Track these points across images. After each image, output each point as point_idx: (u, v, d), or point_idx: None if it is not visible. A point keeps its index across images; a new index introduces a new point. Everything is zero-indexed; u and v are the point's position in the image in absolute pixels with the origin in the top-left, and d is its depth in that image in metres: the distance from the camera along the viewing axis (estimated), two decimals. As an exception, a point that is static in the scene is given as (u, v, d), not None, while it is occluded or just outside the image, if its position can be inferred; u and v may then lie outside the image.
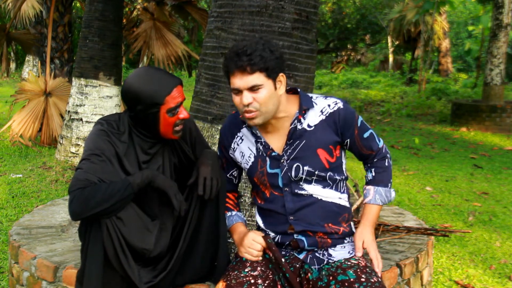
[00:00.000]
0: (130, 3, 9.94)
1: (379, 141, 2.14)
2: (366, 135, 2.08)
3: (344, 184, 2.13)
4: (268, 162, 2.06)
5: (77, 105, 6.24)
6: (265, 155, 2.07)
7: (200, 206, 2.15)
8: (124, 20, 8.19)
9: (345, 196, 2.11)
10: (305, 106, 2.01)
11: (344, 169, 2.11)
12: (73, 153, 6.19)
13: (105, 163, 1.99)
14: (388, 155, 2.16)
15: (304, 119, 2.02)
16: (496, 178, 6.39)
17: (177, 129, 2.10)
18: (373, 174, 2.14)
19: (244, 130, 2.13)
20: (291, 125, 2.01)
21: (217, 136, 2.79)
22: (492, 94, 10.52)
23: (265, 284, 1.96)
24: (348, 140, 2.06)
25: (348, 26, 24.80)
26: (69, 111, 6.32)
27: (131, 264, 1.99)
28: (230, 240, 2.40)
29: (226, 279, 1.97)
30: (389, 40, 23.10)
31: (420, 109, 12.94)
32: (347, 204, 2.12)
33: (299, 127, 2.01)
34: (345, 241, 2.10)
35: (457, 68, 22.18)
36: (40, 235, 2.78)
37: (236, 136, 2.15)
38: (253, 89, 1.92)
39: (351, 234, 2.13)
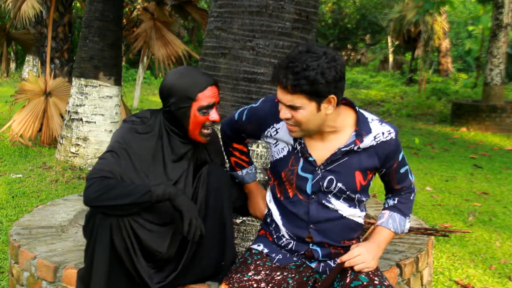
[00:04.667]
0: (130, 3, 9.93)
1: (412, 177, 2.11)
2: (402, 170, 2.04)
3: (364, 204, 2.13)
4: (300, 164, 1.98)
5: (77, 105, 6.24)
6: (300, 155, 1.98)
7: (206, 206, 2.15)
8: (124, 20, 8.17)
9: (363, 214, 2.11)
10: (364, 132, 1.92)
11: (368, 190, 2.10)
12: (73, 153, 6.19)
13: (126, 161, 2.00)
14: (415, 189, 2.13)
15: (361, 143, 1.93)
16: (496, 178, 6.39)
17: (204, 131, 2.08)
18: (395, 202, 2.09)
19: (283, 124, 2.00)
20: (345, 146, 1.92)
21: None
22: (492, 94, 10.51)
23: (269, 287, 1.94)
24: (385, 170, 2.02)
25: (348, 26, 24.80)
26: (69, 111, 6.31)
27: (143, 265, 2.00)
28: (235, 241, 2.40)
29: (228, 282, 1.95)
30: (389, 40, 23.09)
31: (420, 109, 12.93)
32: (362, 222, 2.12)
33: (352, 148, 1.94)
34: None
35: (457, 68, 22.16)
36: (40, 235, 2.78)
37: (271, 127, 2.04)
38: (292, 107, 1.82)
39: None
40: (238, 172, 2.28)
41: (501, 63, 10.44)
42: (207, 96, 2.04)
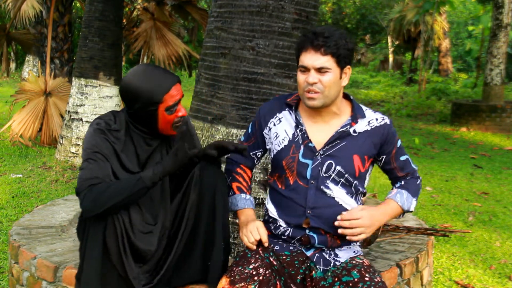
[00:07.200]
0: (130, 3, 9.93)
1: (414, 166, 2.21)
2: (402, 158, 2.16)
3: (361, 198, 2.17)
4: (301, 151, 2.07)
5: (77, 105, 6.24)
6: (300, 142, 2.08)
7: (197, 206, 2.15)
8: (124, 20, 8.18)
9: None
10: (359, 115, 2.08)
11: (365, 184, 2.14)
12: (73, 153, 6.19)
13: (104, 162, 2.00)
14: (420, 178, 2.21)
15: (355, 125, 2.08)
16: (496, 178, 6.39)
17: (175, 126, 2.11)
18: (402, 183, 2.18)
19: (286, 113, 2.14)
20: (342, 128, 2.06)
21: (217, 136, 2.79)
22: (492, 94, 10.52)
23: (269, 271, 1.96)
24: (384, 157, 2.12)
25: (348, 26, 24.77)
26: (69, 111, 6.32)
27: (131, 265, 2.00)
28: (232, 241, 2.40)
29: (229, 275, 1.97)
30: (389, 40, 23.08)
31: (420, 109, 12.94)
32: None
33: (348, 130, 2.06)
34: (352, 244, 2.12)
35: (457, 68, 22.15)
36: (40, 235, 2.78)
37: (275, 116, 2.16)
38: (320, 70, 1.96)
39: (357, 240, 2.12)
40: (240, 194, 2.21)
41: (501, 63, 10.44)
42: (172, 96, 2.04)
